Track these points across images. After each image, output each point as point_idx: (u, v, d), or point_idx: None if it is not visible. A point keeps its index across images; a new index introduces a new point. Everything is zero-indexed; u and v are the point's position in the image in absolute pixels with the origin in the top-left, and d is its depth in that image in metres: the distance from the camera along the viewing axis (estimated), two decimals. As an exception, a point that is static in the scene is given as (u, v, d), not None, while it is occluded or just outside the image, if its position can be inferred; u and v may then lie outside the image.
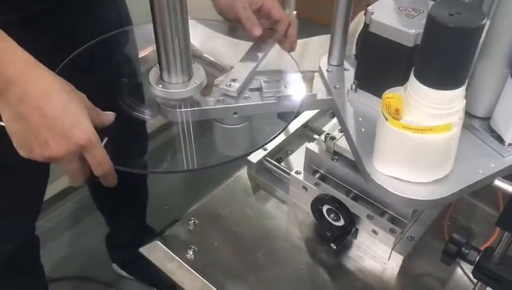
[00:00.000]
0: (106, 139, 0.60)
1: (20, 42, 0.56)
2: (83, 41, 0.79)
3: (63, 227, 1.71)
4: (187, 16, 0.62)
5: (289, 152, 0.98)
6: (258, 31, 0.74)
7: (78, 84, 0.59)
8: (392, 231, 0.77)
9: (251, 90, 0.72)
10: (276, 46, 0.81)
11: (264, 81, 0.72)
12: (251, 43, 0.80)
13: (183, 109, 0.69)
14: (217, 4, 0.80)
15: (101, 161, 0.58)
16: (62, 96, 0.55)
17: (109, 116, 0.62)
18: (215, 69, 0.78)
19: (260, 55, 0.77)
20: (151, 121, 0.75)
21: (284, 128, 0.77)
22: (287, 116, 0.75)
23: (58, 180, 1.64)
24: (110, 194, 1.38)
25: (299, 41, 0.83)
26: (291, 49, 0.80)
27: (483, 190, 0.62)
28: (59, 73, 0.59)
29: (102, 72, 0.84)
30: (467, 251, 0.65)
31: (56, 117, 0.54)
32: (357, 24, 0.79)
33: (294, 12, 0.83)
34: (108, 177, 0.61)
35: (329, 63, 0.79)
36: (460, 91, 0.54)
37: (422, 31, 0.54)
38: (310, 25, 2.67)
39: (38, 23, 0.82)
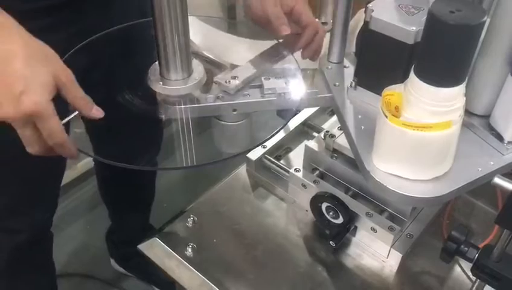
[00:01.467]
0: (75, 114, 0.59)
1: (38, 31, 0.56)
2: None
3: (63, 224, 1.71)
4: (187, 13, 0.62)
5: (288, 150, 0.98)
6: (286, 30, 0.72)
7: (86, 74, 0.59)
8: (391, 229, 0.77)
9: (251, 87, 0.72)
10: (275, 44, 0.81)
11: (264, 78, 0.72)
12: (252, 40, 0.79)
13: (182, 106, 0.69)
14: (246, 3, 0.77)
15: (50, 133, 0.56)
16: (26, 60, 0.54)
17: (91, 109, 0.60)
18: (214, 66, 0.78)
19: (275, 58, 0.76)
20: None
21: (284, 126, 0.77)
22: (286, 114, 0.75)
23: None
24: (117, 187, 1.37)
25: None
26: (313, 57, 0.78)
27: (482, 188, 0.62)
28: (70, 56, 0.58)
29: (115, 64, 0.84)
30: (466, 249, 0.65)
31: (11, 79, 0.53)
32: (357, 22, 0.79)
33: (331, 21, 0.80)
34: (64, 149, 0.59)
35: (329, 61, 0.79)
36: (460, 89, 0.54)
37: (422, 28, 0.55)
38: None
39: (60, 12, 0.81)
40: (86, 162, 1.77)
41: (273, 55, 0.77)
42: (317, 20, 0.79)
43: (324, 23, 0.81)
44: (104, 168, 1.38)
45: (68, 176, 1.74)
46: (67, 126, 0.59)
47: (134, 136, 0.93)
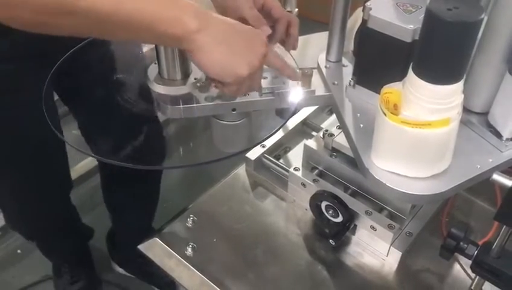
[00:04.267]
0: None
1: None
2: None
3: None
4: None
5: (287, 149, 0.98)
6: (268, 31, 0.73)
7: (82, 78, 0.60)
8: (390, 227, 0.77)
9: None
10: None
11: (262, 78, 0.72)
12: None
13: (181, 106, 0.69)
14: (221, 5, 0.79)
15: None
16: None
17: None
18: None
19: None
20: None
21: (282, 125, 0.77)
22: (285, 113, 0.75)
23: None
24: (122, 191, 1.37)
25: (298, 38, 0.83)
26: (293, 48, 0.80)
27: (481, 185, 0.63)
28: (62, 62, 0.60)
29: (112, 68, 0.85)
30: (465, 246, 0.66)
31: (258, 44, 0.61)
32: (355, 20, 0.79)
33: (296, 10, 0.83)
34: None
35: (327, 60, 0.79)
36: (459, 86, 0.54)
37: (420, 26, 0.55)
38: (308, 23, 2.67)
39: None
40: (86, 163, 1.76)
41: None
42: (288, 9, 0.82)
43: (289, 12, 0.82)
44: (108, 172, 1.38)
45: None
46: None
47: (136, 137, 0.93)
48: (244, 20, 0.74)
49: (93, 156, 0.90)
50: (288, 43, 0.79)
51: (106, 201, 1.44)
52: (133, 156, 0.80)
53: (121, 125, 0.85)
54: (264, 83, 0.71)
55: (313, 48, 0.85)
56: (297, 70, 0.74)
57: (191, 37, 0.55)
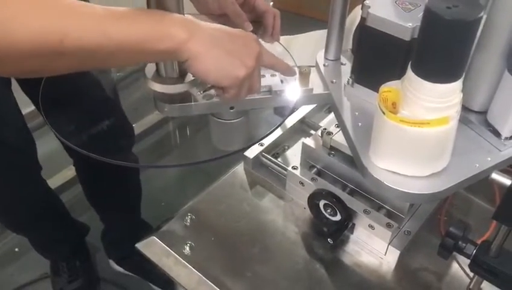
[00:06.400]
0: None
1: None
2: None
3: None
4: (183, 10, 0.62)
5: (286, 147, 0.98)
6: (250, 27, 0.75)
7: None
8: (388, 226, 0.77)
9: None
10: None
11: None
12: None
13: (179, 104, 0.69)
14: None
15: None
16: None
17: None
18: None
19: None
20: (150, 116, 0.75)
21: (281, 124, 0.77)
22: (283, 112, 0.75)
23: (52, 178, 1.63)
24: (103, 190, 1.38)
25: (296, 37, 0.83)
26: (277, 39, 0.81)
27: (479, 184, 0.63)
28: None
29: None
30: (464, 245, 0.66)
31: (251, 42, 0.61)
32: (353, 18, 0.79)
33: (271, 3, 0.84)
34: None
35: (326, 58, 0.79)
36: (458, 84, 0.54)
37: (419, 24, 0.55)
38: (307, 21, 2.68)
39: None
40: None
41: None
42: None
43: None
44: (83, 172, 1.39)
45: (64, 175, 1.73)
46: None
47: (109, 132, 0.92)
48: (226, 17, 0.75)
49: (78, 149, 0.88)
50: (272, 35, 0.80)
51: (89, 201, 1.45)
52: (94, 144, 0.79)
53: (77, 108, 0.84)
54: (262, 82, 0.70)
55: (311, 45, 0.85)
56: (294, 67, 0.74)
57: (183, 48, 0.55)
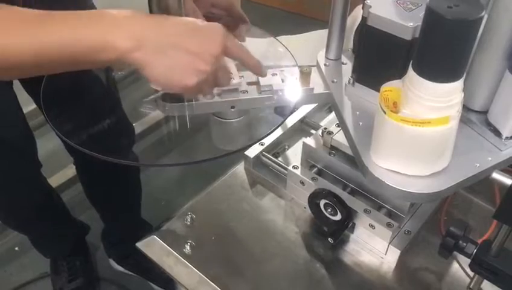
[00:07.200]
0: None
1: None
2: None
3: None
4: (184, 9, 0.62)
5: (286, 147, 0.98)
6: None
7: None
8: (389, 225, 0.77)
9: (249, 84, 0.71)
10: (273, 41, 0.81)
11: (262, 76, 0.71)
12: (249, 38, 0.79)
13: (180, 103, 0.69)
14: None
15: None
16: None
17: None
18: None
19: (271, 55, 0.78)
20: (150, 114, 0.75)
21: (281, 123, 0.77)
22: (284, 111, 0.75)
23: (52, 177, 1.64)
24: (103, 189, 1.38)
25: (297, 36, 0.83)
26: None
27: (479, 184, 0.63)
28: None
29: None
30: (465, 244, 0.66)
31: (216, 34, 0.58)
32: (354, 18, 0.79)
33: None
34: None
35: (326, 57, 0.79)
36: (459, 84, 0.54)
37: (420, 24, 0.55)
38: (308, 21, 2.67)
39: None
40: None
41: (269, 51, 0.77)
42: None
43: None
44: (84, 171, 1.39)
45: (65, 174, 1.73)
46: None
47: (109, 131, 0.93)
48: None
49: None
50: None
51: (89, 200, 1.45)
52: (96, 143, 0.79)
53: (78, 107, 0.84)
54: (263, 81, 0.71)
55: (312, 45, 0.85)
56: (295, 66, 0.74)
57: (127, 58, 0.53)
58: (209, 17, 0.77)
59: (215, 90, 0.68)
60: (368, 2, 0.64)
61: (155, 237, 0.85)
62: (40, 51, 0.50)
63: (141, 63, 0.54)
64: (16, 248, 1.62)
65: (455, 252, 0.68)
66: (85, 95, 0.85)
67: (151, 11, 0.61)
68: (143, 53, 0.53)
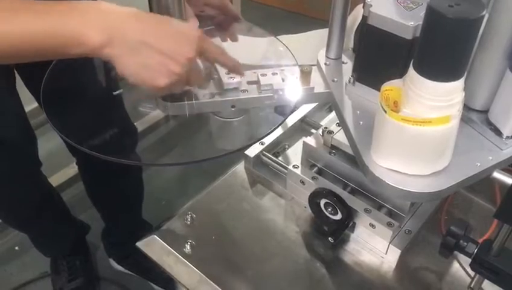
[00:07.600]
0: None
1: None
2: None
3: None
4: (184, 10, 0.62)
5: (286, 146, 0.98)
6: (196, 23, 0.73)
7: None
8: (389, 225, 0.77)
9: (249, 83, 0.71)
10: (273, 40, 0.81)
11: (261, 75, 0.71)
12: (248, 37, 0.79)
13: (180, 102, 0.69)
14: None
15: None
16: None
17: None
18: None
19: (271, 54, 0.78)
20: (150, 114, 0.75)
21: (282, 123, 0.76)
22: (284, 110, 0.75)
23: (52, 177, 1.63)
24: (105, 189, 1.38)
25: (297, 36, 0.83)
26: (235, 40, 0.83)
27: (480, 184, 0.62)
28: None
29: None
30: (465, 244, 0.66)
31: (188, 33, 0.59)
32: (355, 17, 0.79)
33: None
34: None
35: (327, 57, 0.79)
36: (459, 83, 0.54)
37: (421, 23, 0.54)
38: (308, 20, 2.67)
39: None
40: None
41: (269, 50, 0.77)
42: None
43: None
44: (86, 170, 1.38)
45: (65, 174, 1.73)
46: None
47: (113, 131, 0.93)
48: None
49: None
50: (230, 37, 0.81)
51: (91, 199, 1.45)
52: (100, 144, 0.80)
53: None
54: (263, 80, 0.70)
55: (313, 44, 0.85)
56: (295, 66, 0.74)
57: (99, 53, 0.53)
58: (202, 16, 0.77)
59: (216, 90, 0.68)
60: (369, 1, 0.64)
61: (155, 236, 0.85)
62: (13, 41, 0.51)
63: (112, 58, 0.54)
64: (16, 248, 1.62)
65: (456, 252, 0.68)
66: (86, 95, 0.85)
67: (151, 10, 0.61)
68: (114, 49, 0.54)
